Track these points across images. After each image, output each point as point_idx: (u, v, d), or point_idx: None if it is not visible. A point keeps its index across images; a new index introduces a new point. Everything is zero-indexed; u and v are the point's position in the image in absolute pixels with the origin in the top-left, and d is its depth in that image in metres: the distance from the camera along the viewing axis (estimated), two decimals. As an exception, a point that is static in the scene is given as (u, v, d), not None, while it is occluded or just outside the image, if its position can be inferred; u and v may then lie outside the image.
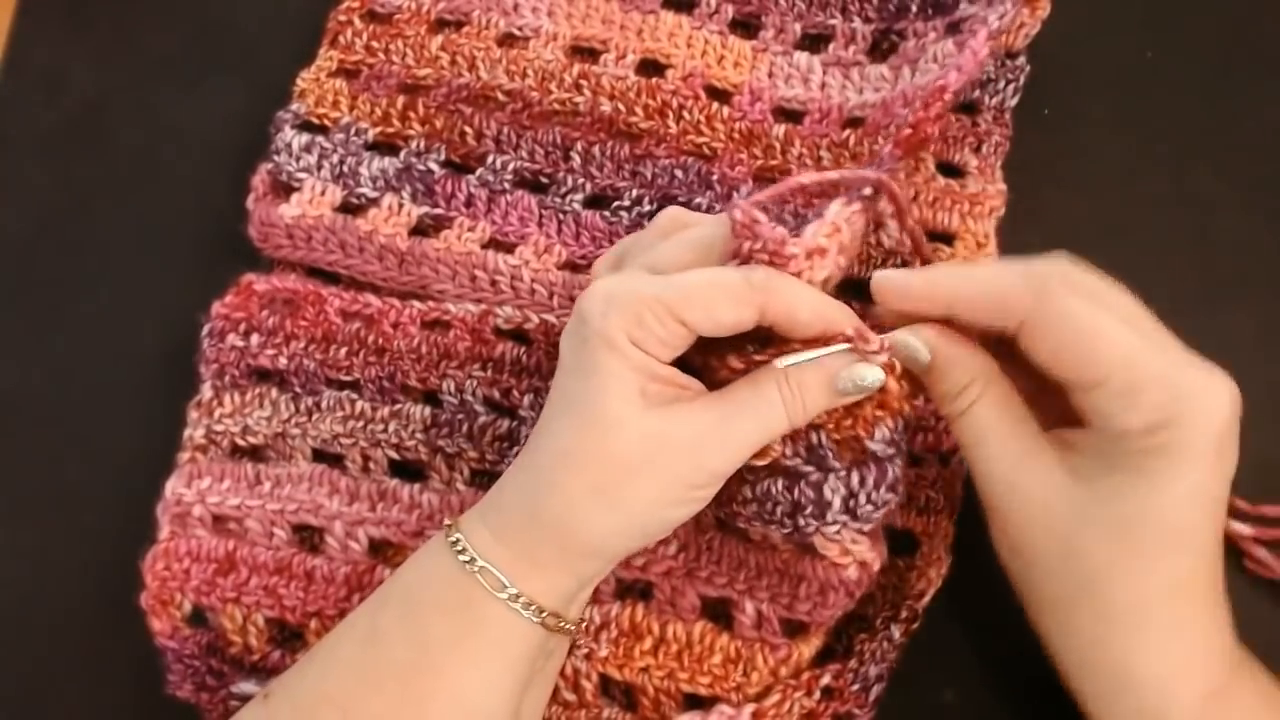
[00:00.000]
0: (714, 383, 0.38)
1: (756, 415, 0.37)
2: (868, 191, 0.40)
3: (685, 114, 0.50)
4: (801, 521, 0.38)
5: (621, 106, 0.50)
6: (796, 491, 0.38)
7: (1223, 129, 0.50)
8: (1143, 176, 0.50)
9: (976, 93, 0.49)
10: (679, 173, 0.49)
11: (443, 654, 0.37)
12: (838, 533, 0.38)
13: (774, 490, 0.38)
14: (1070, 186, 0.50)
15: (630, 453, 0.35)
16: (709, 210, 0.48)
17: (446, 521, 0.39)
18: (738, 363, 0.38)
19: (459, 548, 0.37)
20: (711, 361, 0.38)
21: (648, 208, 0.49)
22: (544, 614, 0.37)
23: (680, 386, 0.37)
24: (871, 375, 0.37)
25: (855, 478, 0.38)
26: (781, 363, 0.37)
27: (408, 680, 0.37)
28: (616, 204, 0.49)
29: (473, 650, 0.37)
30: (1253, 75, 0.51)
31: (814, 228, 0.38)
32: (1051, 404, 0.39)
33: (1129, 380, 0.36)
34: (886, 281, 0.39)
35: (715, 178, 0.49)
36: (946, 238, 0.47)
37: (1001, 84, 0.49)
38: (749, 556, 0.42)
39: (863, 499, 0.38)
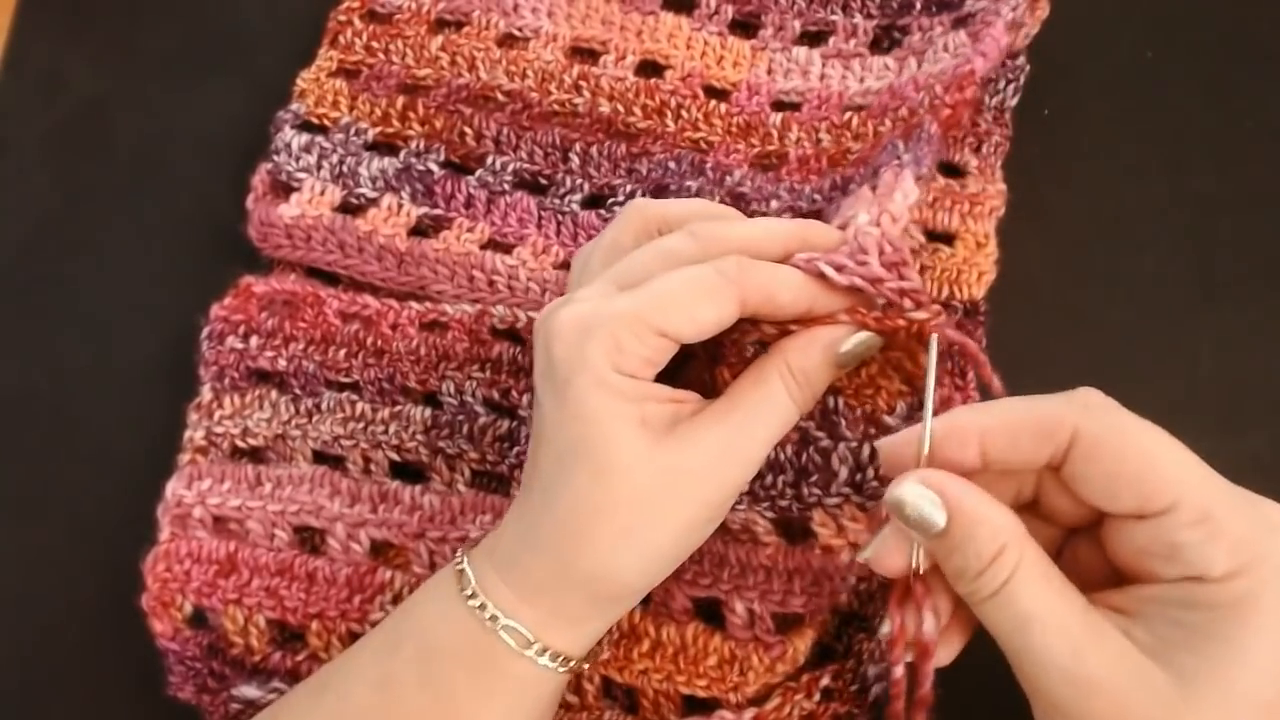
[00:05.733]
0: (710, 361, 0.38)
1: (768, 417, 0.35)
2: (925, 171, 0.39)
3: (683, 113, 0.50)
4: (805, 490, 0.38)
5: (620, 107, 0.50)
6: (805, 456, 0.39)
7: (1223, 129, 0.50)
8: (1143, 176, 0.50)
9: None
10: (672, 164, 0.49)
11: (464, 707, 0.35)
12: (838, 506, 0.38)
13: (781, 456, 0.38)
14: (1070, 186, 0.50)
15: (652, 492, 0.33)
16: (698, 193, 0.47)
17: (456, 562, 0.37)
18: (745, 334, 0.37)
19: (477, 603, 0.35)
20: (696, 349, 0.37)
21: (640, 202, 0.48)
22: (570, 663, 0.36)
23: (676, 401, 0.35)
24: (871, 340, 0.35)
25: (866, 451, 0.38)
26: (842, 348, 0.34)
27: None
28: (612, 201, 0.49)
29: (496, 704, 0.35)
30: (1253, 75, 0.51)
31: (898, 207, 0.38)
32: (1077, 563, 0.33)
33: (1204, 506, 0.29)
34: (902, 446, 0.33)
35: (709, 165, 0.48)
36: (947, 237, 0.47)
37: (1001, 84, 0.48)
38: (728, 552, 0.41)
39: (870, 474, 0.38)
